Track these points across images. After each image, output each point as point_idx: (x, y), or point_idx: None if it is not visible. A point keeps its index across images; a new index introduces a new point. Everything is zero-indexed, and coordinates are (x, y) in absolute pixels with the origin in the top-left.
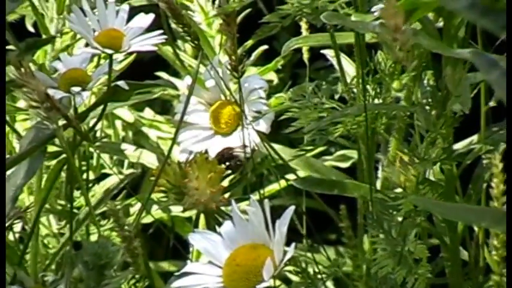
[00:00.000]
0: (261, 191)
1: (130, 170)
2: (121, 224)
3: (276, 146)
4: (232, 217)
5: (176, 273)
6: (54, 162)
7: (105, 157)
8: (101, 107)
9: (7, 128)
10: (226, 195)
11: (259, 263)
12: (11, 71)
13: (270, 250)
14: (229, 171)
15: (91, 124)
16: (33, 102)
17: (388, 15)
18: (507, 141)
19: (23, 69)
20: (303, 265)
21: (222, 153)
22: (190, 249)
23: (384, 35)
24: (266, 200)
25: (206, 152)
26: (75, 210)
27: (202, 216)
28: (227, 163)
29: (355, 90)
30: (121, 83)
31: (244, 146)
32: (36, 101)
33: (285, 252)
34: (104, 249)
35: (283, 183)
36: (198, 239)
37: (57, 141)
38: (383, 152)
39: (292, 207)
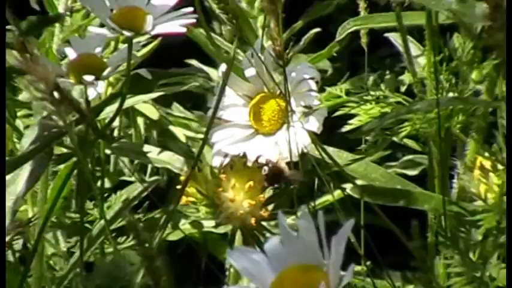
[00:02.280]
0: (312, 203)
1: (155, 177)
2: (141, 239)
3: (330, 149)
4: (279, 233)
5: None
6: (62, 166)
7: (125, 161)
8: (119, 100)
9: (7, 126)
10: (269, 208)
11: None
12: (11, 56)
13: (323, 273)
14: None
15: (107, 121)
16: (39, 93)
17: None
18: (507, 141)
19: (27, 54)
20: None
21: (270, 170)
22: (226, 272)
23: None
24: (321, 213)
25: (244, 155)
26: (87, 225)
27: (239, 233)
28: (275, 184)
29: (425, 81)
30: (143, 71)
31: (290, 149)
32: (42, 91)
33: (341, 277)
34: (120, 270)
35: (338, 194)
36: (238, 257)
37: (66, 140)
38: (459, 157)
39: (352, 221)
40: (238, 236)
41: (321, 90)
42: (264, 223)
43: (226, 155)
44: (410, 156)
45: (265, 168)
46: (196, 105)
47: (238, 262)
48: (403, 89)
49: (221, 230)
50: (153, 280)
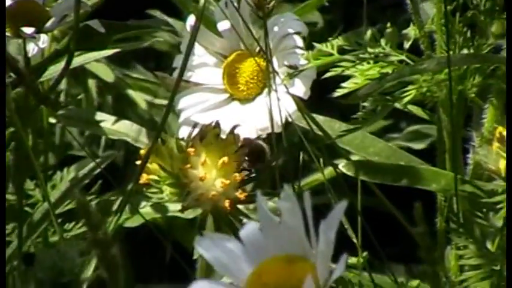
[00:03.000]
0: (298, 183)
1: (109, 152)
2: (93, 223)
3: (319, 118)
4: (258, 217)
5: None
6: None
7: (73, 132)
8: (65, 58)
9: None
10: (246, 188)
11: (296, 283)
12: None
13: (310, 264)
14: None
15: (51, 84)
16: None
17: None
18: (507, 141)
19: None
20: None
21: (250, 151)
22: (196, 265)
23: None
24: (307, 193)
25: (217, 125)
26: (27, 209)
27: (210, 218)
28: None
29: (434, 35)
30: (94, 23)
31: (272, 118)
32: None
33: (331, 269)
34: (67, 261)
35: (329, 171)
36: (208, 246)
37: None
38: (475, 127)
39: (344, 204)
40: (210, 222)
41: (309, 47)
42: (240, 206)
43: (195, 125)
44: (415, 127)
45: (244, 147)
46: (160, 66)
47: (208, 252)
48: (407, 45)
49: (189, 214)
50: (107, 272)
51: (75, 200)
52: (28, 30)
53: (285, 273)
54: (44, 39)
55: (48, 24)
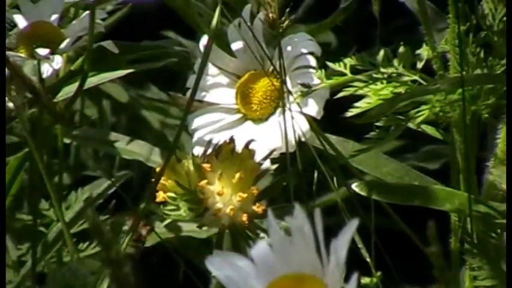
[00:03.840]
0: (313, 202)
1: (123, 172)
2: (106, 242)
3: (332, 138)
4: (269, 235)
5: None
6: (11, 158)
7: (88, 152)
8: (79, 79)
9: None
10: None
11: None
12: None
13: (321, 284)
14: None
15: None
16: None
17: None
18: (507, 141)
19: None
20: None
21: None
22: (210, 285)
23: None
24: (318, 210)
25: (232, 140)
26: (41, 229)
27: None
28: None
29: (447, 56)
30: (108, 43)
31: (286, 138)
32: None
33: None
34: (79, 278)
35: (342, 191)
36: (219, 265)
37: (16, 127)
38: (489, 147)
39: (356, 221)
40: (227, 237)
41: (322, 66)
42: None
43: (210, 142)
44: (429, 147)
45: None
46: (173, 86)
47: (220, 270)
48: (420, 65)
49: (203, 234)
50: None
51: (89, 218)
52: (43, 51)
53: None
54: (58, 60)
55: (63, 45)
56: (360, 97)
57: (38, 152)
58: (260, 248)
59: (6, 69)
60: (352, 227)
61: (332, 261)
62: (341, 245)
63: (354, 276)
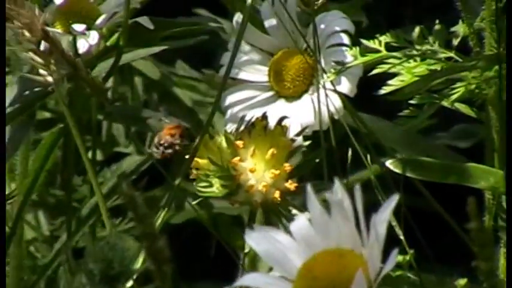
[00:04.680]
0: (346, 179)
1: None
2: (141, 216)
3: (365, 116)
4: (308, 210)
5: None
6: (46, 134)
7: (119, 128)
8: (114, 55)
9: None
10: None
11: (346, 277)
12: None
13: (361, 258)
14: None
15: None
16: (25, 42)
17: None
18: (507, 142)
19: None
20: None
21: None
22: (239, 261)
23: None
24: (358, 186)
25: (264, 117)
26: (75, 204)
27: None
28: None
29: (483, 33)
30: (143, 19)
31: (320, 116)
32: (27, 40)
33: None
34: (117, 252)
35: (375, 168)
36: (259, 240)
37: (50, 103)
38: None
39: (395, 199)
40: (259, 214)
41: (355, 44)
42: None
43: (242, 119)
44: (462, 125)
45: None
46: (203, 63)
47: (259, 245)
48: (455, 42)
49: (233, 211)
50: (155, 264)
51: (123, 193)
52: (79, 27)
53: (335, 267)
54: (94, 36)
55: (99, 21)
56: (393, 75)
57: (75, 126)
58: (300, 222)
59: (45, 43)
60: (391, 202)
61: (372, 236)
62: (381, 220)
63: (394, 252)
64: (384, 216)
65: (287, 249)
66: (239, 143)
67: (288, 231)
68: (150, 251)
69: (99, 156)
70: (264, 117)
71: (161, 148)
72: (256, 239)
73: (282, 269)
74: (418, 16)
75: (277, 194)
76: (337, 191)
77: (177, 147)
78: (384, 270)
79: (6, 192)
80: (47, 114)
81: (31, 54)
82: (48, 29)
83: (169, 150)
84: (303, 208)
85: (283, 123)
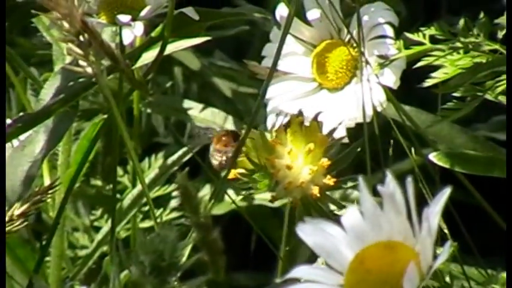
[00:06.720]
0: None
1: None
2: (194, 207)
3: (407, 108)
4: (360, 203)
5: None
6: (88, 124)
7: (159, 119)
8: (158, 46)
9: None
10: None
11: (398, 269)
12: None
13: (413, 251)
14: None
15: (144, 71)
16: (65, 34)
17: None
18: (507, 141)
19: None
20: (447, 280)
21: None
22: (277, 253)
23: None
24: (409, 179)
25: (300, 113)
26: (117, 195)
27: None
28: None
29: None
30: (188, 9)
31: (363, 108)
32: (67, 31)
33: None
34: (168, 244)
35: (416, 160)
36: (310, 232)
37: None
38: None
39: (447, 191)
40: (299, 210)
41: (398, 36)
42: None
43: (279, 113)
44: (500, 117)
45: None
46: (239, 54)
47: (310, 237)
48: (500, 34)
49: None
50: (208, 255)
51: (177, 182)
52: (124, 18)
53: (387, 259)
54: (139, 27)
55: (144, 12)
56: (436, 68)
57: (119, 117)
58: (351, 215)
59: (86, 35)
60: (444, 195)
61: (424, 229)
62: (434, 212)
63: (447, 245)
64: (437, 208)
65: (338, 241)
66: (276, 140)
67: (339, 223)
68: (204, 243)
69: (138, 147)
70: (300, 113)
71: (218, 158)
72: (308, 231)
73: (333, 261)
74: (455, 7)
75: (316, 190)
76: (389, 183)
77: (230, 154)
78: (436, 263)
79: (47, 183)
80: (86, 104)
81: (70, 45)
82: (88, 19)
83: (224, 158)
84: (341, 202)
85: (322, 116)
